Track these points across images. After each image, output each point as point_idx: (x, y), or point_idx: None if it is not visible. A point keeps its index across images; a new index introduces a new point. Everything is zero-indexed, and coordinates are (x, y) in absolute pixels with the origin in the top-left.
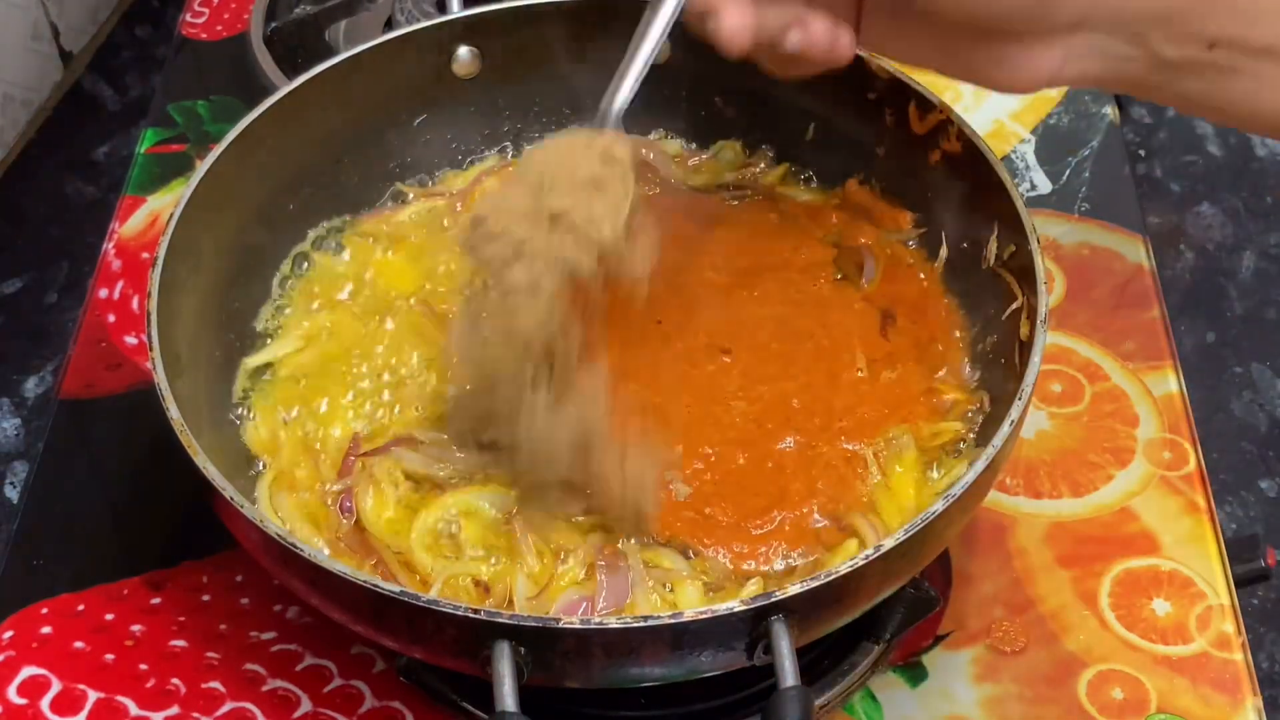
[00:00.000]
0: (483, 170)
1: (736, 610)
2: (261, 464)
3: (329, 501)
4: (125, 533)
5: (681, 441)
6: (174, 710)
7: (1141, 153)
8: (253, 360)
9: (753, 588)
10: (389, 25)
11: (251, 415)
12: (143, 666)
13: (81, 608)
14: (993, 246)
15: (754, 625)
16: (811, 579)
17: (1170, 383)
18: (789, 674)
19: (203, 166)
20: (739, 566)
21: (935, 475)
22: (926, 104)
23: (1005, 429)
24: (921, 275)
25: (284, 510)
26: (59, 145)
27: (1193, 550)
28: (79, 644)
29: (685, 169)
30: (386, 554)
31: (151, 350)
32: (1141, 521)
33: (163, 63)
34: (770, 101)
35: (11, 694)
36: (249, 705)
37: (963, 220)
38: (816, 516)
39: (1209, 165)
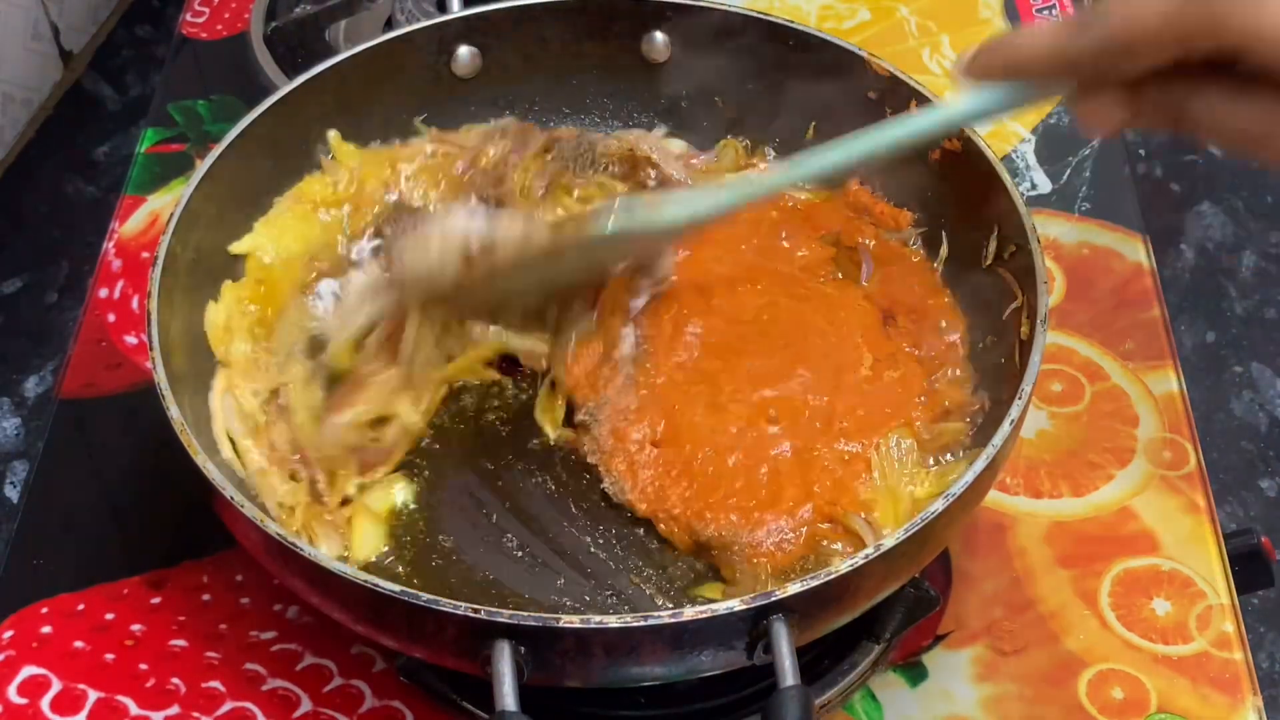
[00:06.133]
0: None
1: (736, 610)
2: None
3: (267, 404)
4: (125, 533)
5: (681, 443)
6: (174, 710)
7: (1141, 152)
8: (235, 248)
9: None
10: (389, 25)
11: (217, 297)
12: (143, 666)
13: (81, 607)
14: (993, 246)
15: (754, 624)
16: (811, 578)
17: (1170, 382)
18: (789, 673)
19: (203, 166)
20: None
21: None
22: (927, 103)
23: (1005, 429)
24: (921, 275)
25: (229, 417)
26: (59, 145)
27: (1193, 550)
28: (79, 644)
29: (688, 168)
30: (312, 452)
31: (151, 350)
32: (1141, 521)
33: (163, 62)
34: (771, 101)
35: (11, 694)
36: (249, 705)
37: (963, 220)
38: (815, 518)
39: (1209, 165)
